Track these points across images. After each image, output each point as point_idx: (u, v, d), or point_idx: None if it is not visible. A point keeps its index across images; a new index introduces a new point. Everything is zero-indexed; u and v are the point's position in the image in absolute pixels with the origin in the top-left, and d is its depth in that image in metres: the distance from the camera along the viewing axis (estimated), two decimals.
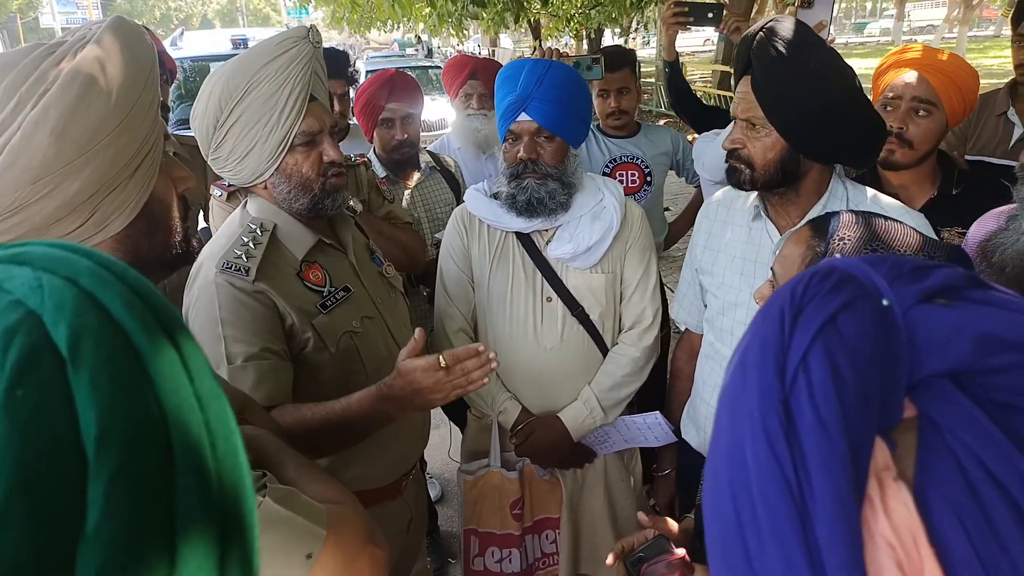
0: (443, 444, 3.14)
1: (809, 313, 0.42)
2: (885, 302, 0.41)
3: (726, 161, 1.52)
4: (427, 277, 2.44)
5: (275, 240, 1.44)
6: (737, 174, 1.48)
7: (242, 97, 1.33)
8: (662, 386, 1.99)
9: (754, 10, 12.91)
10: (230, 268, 1.36)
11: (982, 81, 1.92)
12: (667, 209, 3.05)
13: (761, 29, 1.43)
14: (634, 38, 19.54)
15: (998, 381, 0.38)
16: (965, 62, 1.86)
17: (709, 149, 2.19)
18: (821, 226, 0.98)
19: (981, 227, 1.49)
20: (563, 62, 2.28)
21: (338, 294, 1.49)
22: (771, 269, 1.04)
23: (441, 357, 1.29)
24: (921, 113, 1.79)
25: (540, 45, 12.43)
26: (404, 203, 2.56)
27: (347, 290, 1.51)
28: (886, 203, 1.49)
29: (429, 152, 2.70)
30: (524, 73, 1.70)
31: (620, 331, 1.90)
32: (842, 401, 0.38)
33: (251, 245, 1.39)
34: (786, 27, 1.40)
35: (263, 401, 1.33)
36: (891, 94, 1.82)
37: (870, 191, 1.51)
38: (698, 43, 33.61)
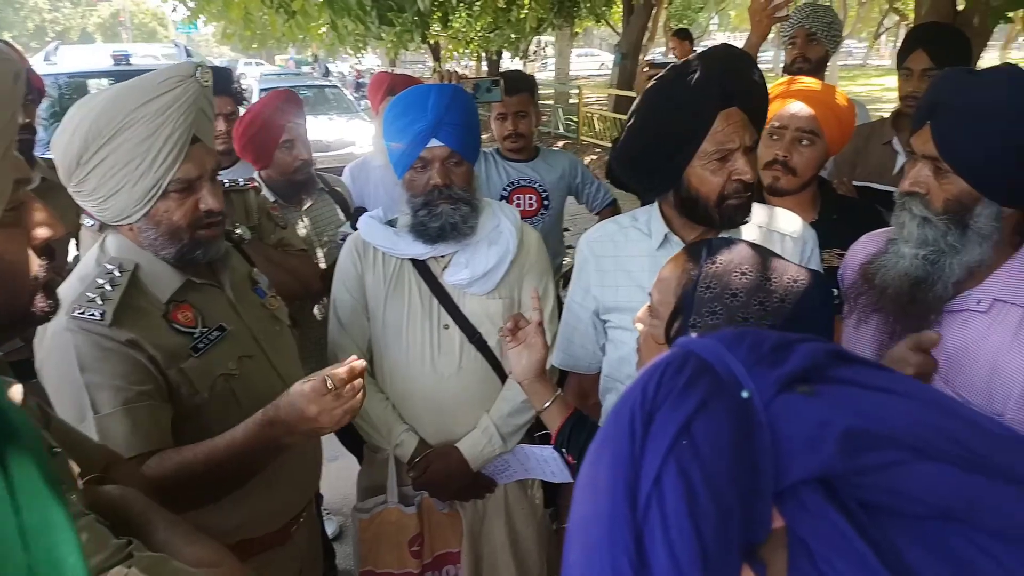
0: (341, 477, 3.02)
1: (661, 420, 0.39)
2: (745, 394, 0.38)
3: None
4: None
5: (136, 281, 1.33)
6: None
7: (112, 137, 1.22)
8: None
9: (645, 37, 13.43)
10: (82, 315, 1.24)
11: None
12: (566, 230, 3.08)
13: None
14: (533, 61, 19.93)
15: (868, 481, 0.35)
16: (843, 95, 1.97)
17: None
18: (695, 250, 1.01)
19: (858, 250, 1.56)
20: (463, 84, 2.29)
21: (211, 334, 1.39)
22: (649, 294, 1.05)
23: (328, 379, 1.21)
24: (804, 142, 1.87)
25: (440, 67, 12.47)
26: (302, 228, 2.47)
27: (222, 329, 1.41)
28: (779, 215, 1.56)
29: (318, 174, 2.62)
30: (432, 98, 1.66)
31: None
32: (699, 533, 0.35)
33: (107, 287, 1.27)
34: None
35: (142, 447, 1.23)
36: (777, 124, 1.90)
37: (760, 207, 1.56)
38: (594, 67, 34.68)
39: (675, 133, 1.38)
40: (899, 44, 2.60)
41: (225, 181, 2.19)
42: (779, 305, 0.92)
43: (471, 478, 1.79)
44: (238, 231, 1.98)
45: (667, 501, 0.36)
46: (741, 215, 1.40)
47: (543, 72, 27.22)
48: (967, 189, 1.21)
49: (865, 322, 1.42)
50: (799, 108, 1.89)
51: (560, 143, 13.21)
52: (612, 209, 2.83)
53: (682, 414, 0.38)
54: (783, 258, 0.99)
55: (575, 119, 13.25)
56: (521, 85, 2.64)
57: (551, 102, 15.24)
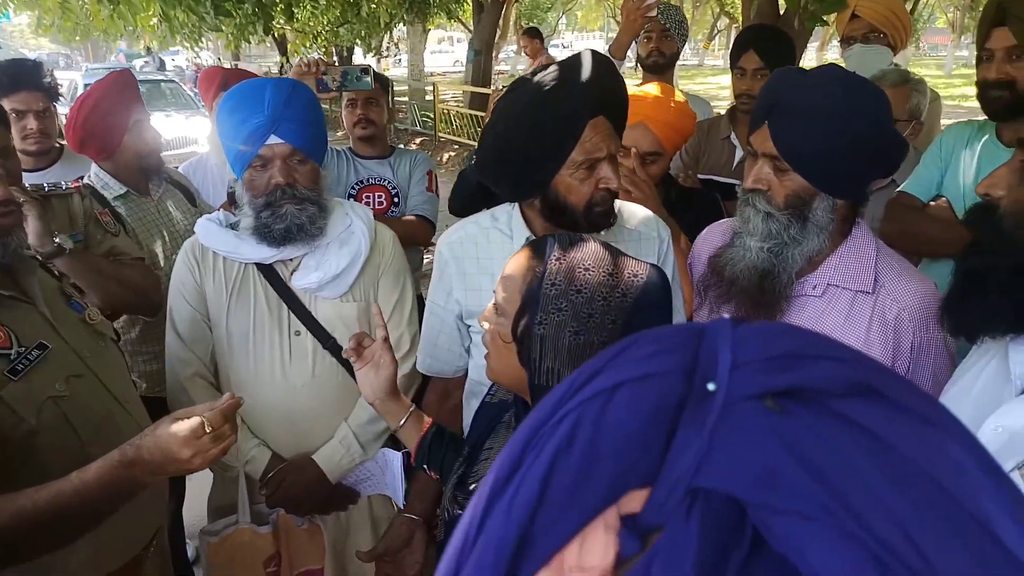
0: (200, 496, 2.82)
1: (600, 378, 0.37)
2: (711, 387, 0.34)
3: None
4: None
5: None
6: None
7: None
8: None
9: (497, 35, 13.58)
10: None
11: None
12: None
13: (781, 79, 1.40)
14: (386, 56, 19.61)
15: (775, 525, 0.31)
16: (685, 104, 2.01)
17: None
18: (539, 247, 1.01)
19: (704, 242, 1.63)
20: (331, 72, 2.19)
21: (31, 354, 1.24)
22: (493, 291, 1.04)
23: (205, 422, 1.14)
24: (649, 161, 1.92)
25: (288, 60, 11.97)
26: (154, 217, 2.28)
27: (42, 347, 1.26)
28: (631, 206, 1.59)
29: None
30: (269, 93, 1.55)
31: None
32: (547, 486, 0.34)
33: None
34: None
35: None
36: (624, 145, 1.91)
37: (623, 205, 1.59)
38: (448, 64, 34.70)
39: (544, 143, 1.36)
40: (731, 45, 2.75)
41: (45, 185, 1.98)
42: (621, 300, 0.94)
43: (329, 490, 1.71)
44: (57, 240, 1.79)
45: (544, 446, 0.35)
46: (606, 220, 1.42)
47: (398, 68, 26.92)
48: (805, 185, 1.29)
49: (716, 313, 1.48)
50: (640, 132, 1.88)
51: (417, 140, 13.10)
52: (421, 224, 2.65)
53: (618, 376, 0.36)
54: (624, 253, 1.01)
55: (431, 115, 13.19)
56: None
57: (406, 99, 15.09)
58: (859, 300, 1.33)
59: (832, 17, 2.85)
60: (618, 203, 1.58)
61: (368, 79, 2.24)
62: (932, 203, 2.07)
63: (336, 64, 2.30)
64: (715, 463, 0.33)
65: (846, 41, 2.80)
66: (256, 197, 1.61)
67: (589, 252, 0.98)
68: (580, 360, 0.92)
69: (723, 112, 2.83)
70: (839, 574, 0.29)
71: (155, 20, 6.10)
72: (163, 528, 1.53)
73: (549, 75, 1.36)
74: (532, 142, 1.37)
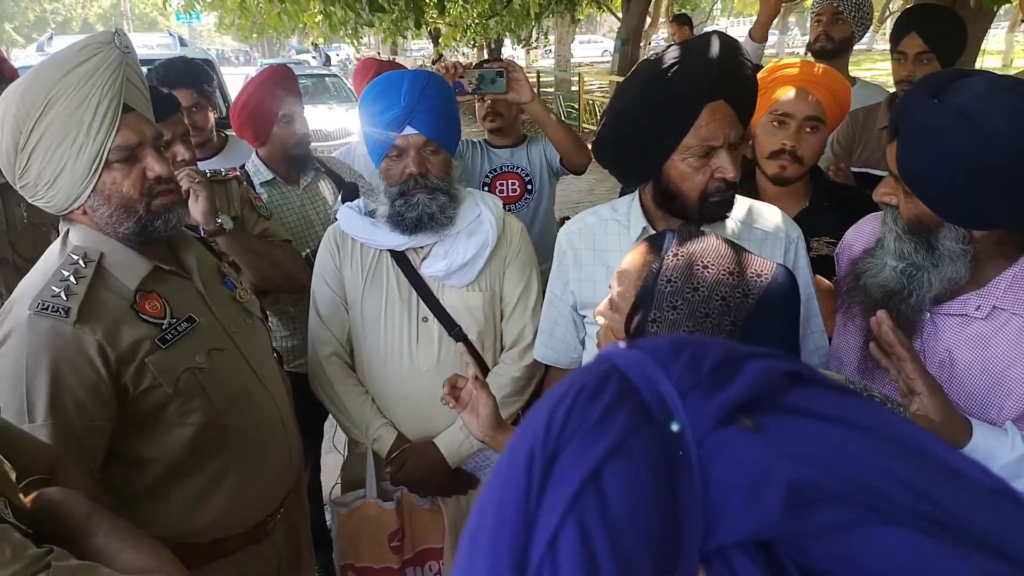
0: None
1: (566, 463, 0.31)
2: (675, 427, 0.31)
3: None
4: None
5: (102, 271, 1.30)
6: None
7: (41, 114, 1.19)
8: None
9: (647, 23, 13.31)
10: (46, 309, 1.20)
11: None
12: (567, 218, 2.99)
13: (726, 54, 1.35)
14: (535, 48, 19.80)
15: (814, 546, 0.29)
16: (840, 76, 1.91)
17: None
18: (657, 242, 0.97)
19: (854, 238, 1.52)
20: (467, 75, 2.24)
21: (180, 326, 1.36)
22: (609, 286, 1.01)
23: None
24: (809, 130, 1.82)
25: (440, 53, 12.40)
26: (295, 205, 2.44)
27: (191, 321, 1.38)
28: (761, 206, 1.52)
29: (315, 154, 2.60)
30: (405, 85, 1.62)
31: (501, 350, 1.85)
32: None
33: (72, 280, 1.24)
34: (740, 46, 1.40)
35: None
36: (781, 111, 1.82)
37: (746, 200, 1.52)
38: (596, 54, 34.45)
39: (658, 122, 1.32)
40: (892, 27, 2.52)
41: (207, 172, 2.16)
42: (742, 300, 0.88)
43: (450, 474, 1.76)
44: (219, 220, 1.96)
45: (562, 569, 0.29)
46: (723, 212, 1.36)
47: (545, 59, 27.07)
48: (926, 211, 1.17)
49: (851, 319, 1.38)
50: (805, 95, 1.83)
51: None
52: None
53: (593, 456, 0.31)
54: (748, 251, 0.95)
55: (575, 106, 13.16)
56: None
57: (552, 89, 15.15)
58: None
59: None
60: (747, 201, 1.50)
61: (503, 81, 2.24)
62: None
63: (472, 66, 2.31)
64: (727, 510, 0.30)
65: None
66: (391, 186, 1.68)
67: (709, 248, 0.93)
68: None
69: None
70: (904, 557, 0.28)
71: (319, 17, 6.51)
72: (292, 495, 1.63)
73: (670, 55, 1.32)
74: (645, 122, 1.33)
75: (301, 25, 6.83)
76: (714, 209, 1.34)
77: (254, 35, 10.94)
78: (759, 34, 2.84)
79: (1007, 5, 3.42)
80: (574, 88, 14.01)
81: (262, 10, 6.86)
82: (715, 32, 1.38)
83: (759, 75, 1.92)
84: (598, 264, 1.49)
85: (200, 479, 1.40)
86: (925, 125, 1.13)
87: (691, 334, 0.89)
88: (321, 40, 12.06)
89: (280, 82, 2.34)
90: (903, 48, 2.33)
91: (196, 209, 1.83)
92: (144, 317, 1.32)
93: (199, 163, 2.63)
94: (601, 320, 1.04)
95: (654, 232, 1.43)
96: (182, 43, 7.14)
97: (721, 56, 1.30)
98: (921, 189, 1.16)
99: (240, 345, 1.49)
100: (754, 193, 1.91)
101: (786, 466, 0.30)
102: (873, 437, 0.33)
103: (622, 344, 0.38)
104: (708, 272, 0.90)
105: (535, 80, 15.68)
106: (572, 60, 17.77)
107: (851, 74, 2.83)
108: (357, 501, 1.78)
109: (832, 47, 2.71)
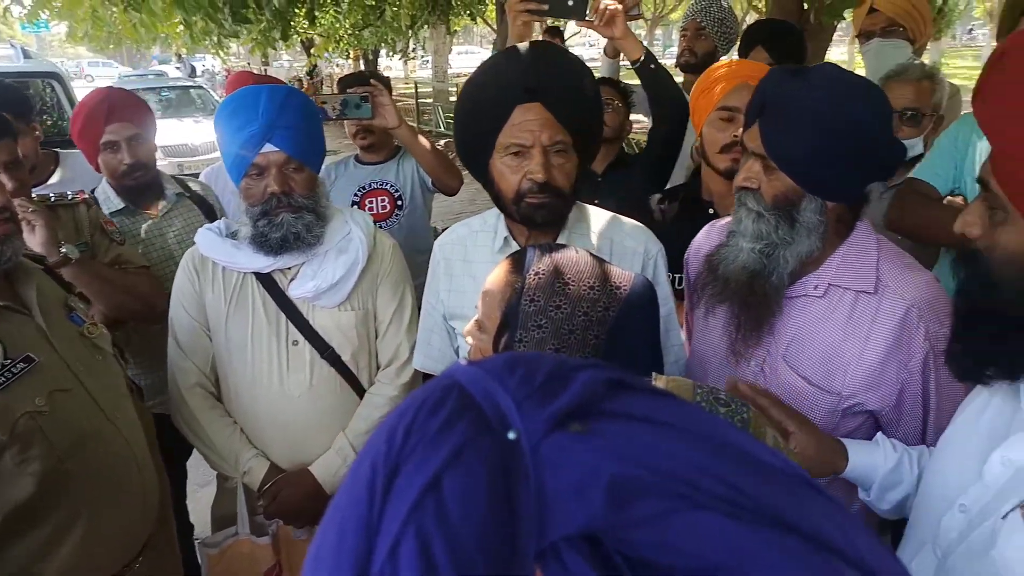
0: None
1: (407, 475, 0.33)
2: (511, 435, 0.33)
3: (524, 195, 1.38)
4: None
5: None
6: (550, 209, 1.37)
7: None
8: None
9: None
10: None
11: None
12: (445, 228, 2.96)
13: (541, 56, 1.40)
14: (413, 59, 19.71)
15: (636, 535, 0.31)
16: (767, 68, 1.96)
17: None
18: (519, 261, 0.97)
19: (701, 240, 1.60)
20: (329, 102, 2.16)
21: (16, 367, 1.24)
22: (476, 307, 1.01)
23: None
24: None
25: (315, 64, 12.10)
26: (149, 235, 2.28)
27: (29, 360, 1.27)
28: (620, 221, 1.54)
29: (175, 178, 2.44)
30: (263, 101, 1.55)
31: (378, 369, 1.81)
32: None
33: None
34: (563, 51, 1.42)
35: None
36: (728, 106, 1.85)
37: (604, 212, 1.55)
38: (474, 64, 34.67)
39: (477, 122, 1.40)
40: (739, 41, 2.69)
41: (51, 195, 2.00)
42: (603, 314, 0.90)
43: (327, 502, 1.69)
44: (63, 250, 1.81)
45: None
46: (541, 215, 1.36)
47: (424, 70, 27.01)
48: (792, 185, 1.25)
49: (712, 313, 1.44)
50: (748, 88, 1.84)
51: (442, 141, 13.12)
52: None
53: (432, 466, 0.32)
54: (608, 262, 0.97)
55: (452, 117, 13.19)
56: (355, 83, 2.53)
57: (431, 100, 15.12)
58: (862, 301, 1.29)
59: (851, 12, 2.77)
60: (607, 215, 1.54)
61: (368, 107, 2.17)
62: (947, 198, 2.01)
63: (335, 93, 2.24)
64: (559, 508, 0.32)
65: (864, 36, 2.73)
66: (252, 206, 1.61)
67: (570, 264, 0.94)
68: None
69: None
70: (712, 538, 0.31)
71: (181, 28, 6.18)
72: (157, 540, 1.52)
73: (493, 58, 1.39)
74: (470, 122, 1.42)
75: (157, 36, 6.47)
76: (529, 211, 1.35)
77: (110, 46, 10.25)
78: (610, 50, 3.01)
79: (847, 21, 3.73)
80: (453, 99, 14.05)
81: (116, 20, 6.45)
82: (539, 39, 1.43)
83: (699, 78, 1.98)
84: (467, 275, 1.50)
85: (43, 530, 1.28)
86: (790, 101, 1.22)
87: (540, 351, 0.90)
88: (184, 50, 11.50)
89: (98, 108, 2.16)
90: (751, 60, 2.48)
91: (35, 240, 1.69)
92: None
93: (37, 188, 2.43)
94: (470, 340, 1.03)
95: (514, 241, 1.47)
96: (26, 55, 6.59)
97: (538, 60, 1.35)
98: (787, 163, 1.23)
99: (87, 384, 1.37)
100: (699, 199, 1.97)
101: (609, 464, 0.33)
102: (686, 435, 0.36)
103: (463, 361, 0.40)
104: (569, 289, 0.91)
105: (413, 91, 15.59)
106: (450, 71, 17.81)
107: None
108: (228, 540, 1.68)
109: (696, 61, 2.86)
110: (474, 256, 1.51)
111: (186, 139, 9.59)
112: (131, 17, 5.58)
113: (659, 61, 1.96)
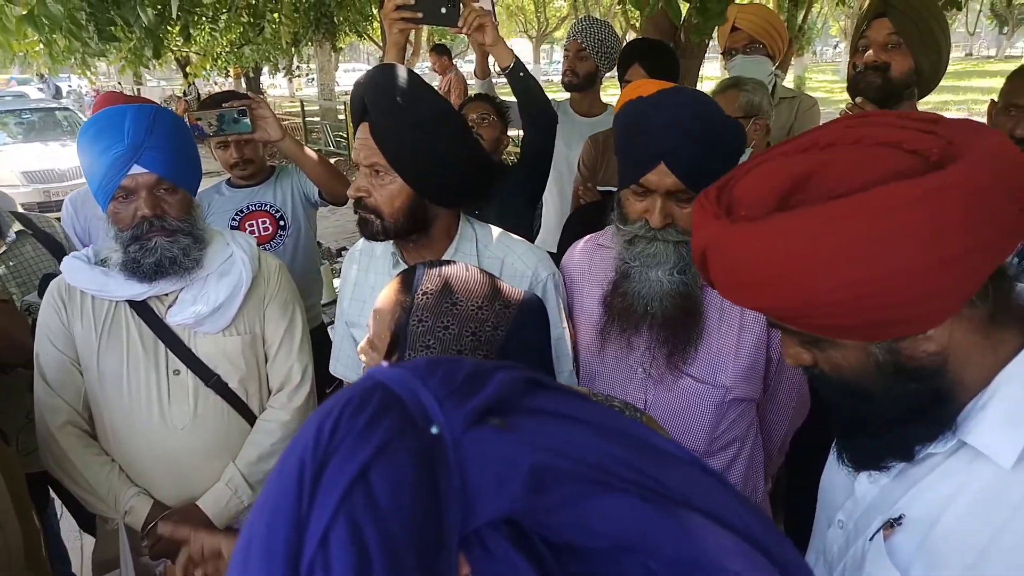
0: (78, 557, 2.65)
1: (334, 469, 0.34)
2: (434, 430, 0.35)
3: (355, 210, 1.47)
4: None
5: None
6: (368, 225, 1.43)
7: None
8: None
9: (409, 51, 13.51)
10: None
11: None
12: (343, 249, 2.91)
13: (372, 74, 1.42)
14: (298, 76, 19.24)
15: (553, 518, 0.34)
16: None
17: None
18: (408, 279, 0.97)
19: (568, 258, 1.63)
20: (204, 119, 2.08)
21: None
22: (367, 324, 1.00)
23: None
24: None
25: (191, 83, 11.61)
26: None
27: None
28: (513, 240, 1.56)
29: (16, 214, 2.26)
30: (129, 120, 1.48)
31: (269, 394, 1.75)
32: None
33: None
34: (400, 73, 1.40)
35: None
36: None
37: (496, 230, 1.57)
38: None
39: None
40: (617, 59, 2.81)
41: None
42: (492, 333, 0.90)
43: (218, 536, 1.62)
44: None
45: (334, 566, 0.31)
46: (366, 231, 1.44)
47: (310, 87, 26.43)
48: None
49: (628, 349, 1.43)
50: None
51: (333, 160, 12.84)
52: None
53: (359, 459, 0.34)
54: (497, 278, 0.98)
55: (344, 135, 12.98)
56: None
57: (318, 119, 14.82)
58: None
59: (717, 31, 2.95)
60: (497, 232, 1.56)
61: (246, 121, 2.10)
62: None
63: (212, 109, 2.13)
64: (481, 496, 0.34)
65: (728, 53, 2.91)
66: (122, 231, 1.53)
67: (459, 281, 0.94)
68: None
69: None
70: (621, 517, 0.35)
71: (39, 47, 5.79)
72: None
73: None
74: None
75: (13, 55, 6.03)
76: (360, 225, 1.45)
77: None
78: (479, 71, 3.24)
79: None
80: (341, 117, 13.83)
81: None
82: (388, 64, 1.47)
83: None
84: (366, 286, 1.55)
85: None
86: (689, 133, 1.28)
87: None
88: (46, 70, 10.80)
89: None
90: (629, 77, 2.60)
91: None
92: None
93: None
94: (363, 358, 1.02)
95: (400, 260, 1.50)
96: None
97: (368, 82, 1.40)
98: (696, 185, 1.25)
99: None
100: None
101: (528, 454, 0.35)
102: (596, 428, 0.39)
103: (384, 363, 0.44)
104: (457, 308, 0.91)
105: (299, 110, 15.24)
106: (337, 88, 17.52)
107: (603, 101, 3.12)
108: None
109: (578, 81, 2.99)
110: (373, 268, 1.56)
111: (52, 164, 8.99)
112: None
113: (528, 70, 2.03)
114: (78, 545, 2.71)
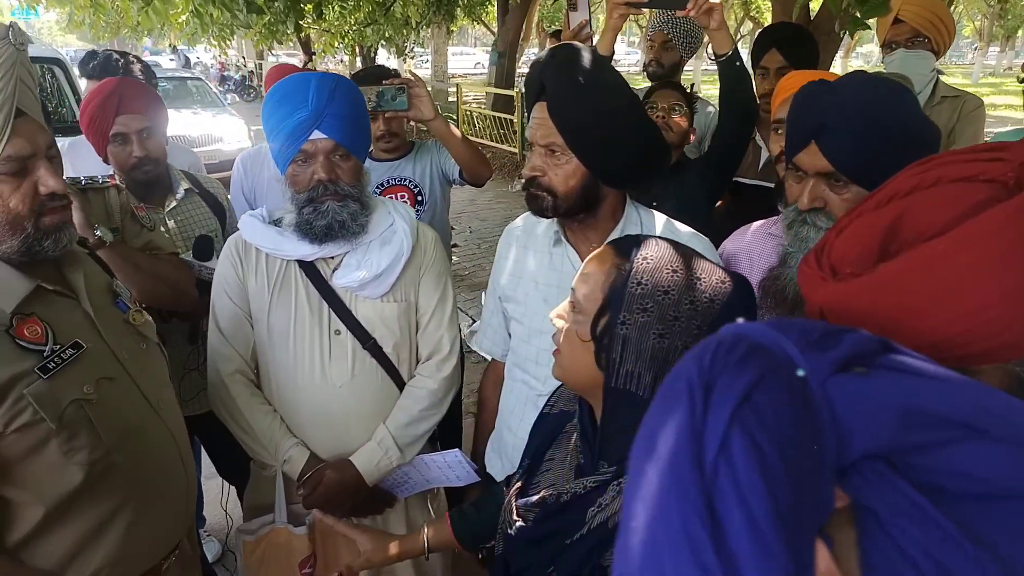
0: (223, 495, 2.83)
1: (721, 389, 0.37)
2: (800, 373, 0.38)
3: (524, 188, 1.49)
4: (194, 313, 2.15)
5: None
6: (539, 201, 1.46)
7: None
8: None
9: (520, 37, 13.56)
10: None
11: None
12: (452, 228, 2.99)
13: (553, 54, 1.42)
14: (412, 57, 19.66)
15: (928, 460, 0.35)
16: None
17: None
18: (624, 246, 0.98)
19: (734, 242, 1.61)
20: (366, 93, 2.15)
21: (64, 353, 1.21)
22: (572, 288, 1.01)
23: None
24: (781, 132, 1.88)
25: (312, 60, 12.02)
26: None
27: (77, 347, 1.24)
28: (677, 227, 1.55)
29: (185, 173, 2.40)
30: (313, 88, 1.55)
31: (418, 362, 1.80)
32: (774, 496, 0.33)
33: None
34: (583, 54, 1.40)
35: None
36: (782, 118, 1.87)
37: (660, 216, 1.56)
38: (469, 66, 34.75)
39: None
40: (752, 45, 2.71)
41: (82, 179, 1.97)
42: (708, 305, 0.90)
43: (367, 493, 1.69)
44: (98, 232, 1.79)
45: (737, 463, 0.35)
46: (535, 206, 1.49)
47: (421, 70, 26.96)
48: (863, 193, 1.26)
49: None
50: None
51: None
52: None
53: (742, 384, 0.37)
54: (708, 259, 0.97)
55: (454, 117, 13.19)
56: (386, 78, 2.51)
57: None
58: None
59: (874, 22, 2.79)
60: (649, 213, 1.55)
61: (404, 98, 2.14)
62: None
63: (372, 85, 2.18)
64: (854, 431, 0.36)
65: (888, 46, 2.75)
66: (298, 193, 1.60)
67: (675, 254, 0.95)
68: (662, 365, 0.88)
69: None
70: (1003, 465, 0.35)
71: (184, 17, 6.13)
72: (185, 539, 1.51)
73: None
74: None
75: (162, 25, 6.41)
76: (527, 201, 1.50)
77: (106, 34, 10.15)
78: (603, 48, 3.05)
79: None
80: (451, 99, 14.04)
81: (118, 8, 6.37)
82: (565, 44, 1.49)
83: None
84: (525, 262, 1.59)
85: (86, 523, 1.25)
86: (846, 116, 1.23)
87: (661, 338, 0.90)
88: (180, 43, 11.42)
89: (109, 98, 2.10)
90: (765, 63, 2.50)
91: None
92: (22, 344, 1.17)
93: None
94: (559, 323, 1.03)
95: (563, 236, 1.55)
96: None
97: (548, 61, 1.42)
98: (858, 174, 1.25)
99: (133, 373, 1.35)
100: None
101: (897, 397, 0.38)
102: (957, 384, 0.41)
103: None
104: (677, 276, 0.91)
105: None
106: (447, 71, 17.80)
107: (701, 92, 3.07)
108: (265, 527, 1.67)
109: (662, 72, 3.00)
110: (532, 245, 1.59)
111: (183, 131, 9.53)
112: (135, 4, 5.52)
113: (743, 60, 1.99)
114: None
